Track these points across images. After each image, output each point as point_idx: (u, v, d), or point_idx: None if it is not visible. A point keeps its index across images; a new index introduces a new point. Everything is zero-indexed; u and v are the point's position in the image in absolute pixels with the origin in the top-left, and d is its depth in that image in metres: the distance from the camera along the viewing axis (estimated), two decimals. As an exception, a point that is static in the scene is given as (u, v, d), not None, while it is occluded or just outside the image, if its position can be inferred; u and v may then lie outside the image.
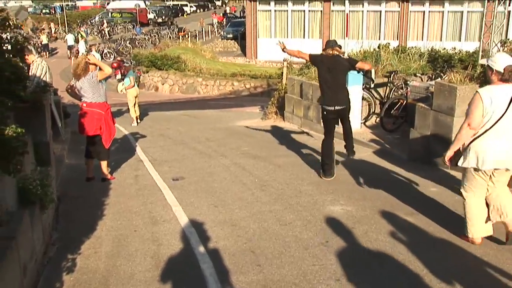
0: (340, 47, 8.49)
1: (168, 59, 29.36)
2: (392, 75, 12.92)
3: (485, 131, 5.38)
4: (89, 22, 56.53)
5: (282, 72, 16.47)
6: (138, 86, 28.92)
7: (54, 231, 6.58)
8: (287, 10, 34.05)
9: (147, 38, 41.87)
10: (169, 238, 6.30)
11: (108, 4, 70.84)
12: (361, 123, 12.61)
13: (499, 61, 5.39)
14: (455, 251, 5.72)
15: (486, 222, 5.74)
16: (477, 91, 5.45)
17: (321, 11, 32.95)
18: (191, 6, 77.94)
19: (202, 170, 9.62)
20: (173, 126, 15.45)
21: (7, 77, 5.11)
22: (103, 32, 48.83)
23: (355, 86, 11.74)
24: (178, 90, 27.91)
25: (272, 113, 15.63)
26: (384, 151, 10.63)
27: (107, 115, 8.84)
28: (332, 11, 32.67)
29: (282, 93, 15.41)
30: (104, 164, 9.02)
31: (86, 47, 35.35)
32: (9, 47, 6.44)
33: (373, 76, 9.79)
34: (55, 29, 52.81)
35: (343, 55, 8.51)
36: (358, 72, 8.99)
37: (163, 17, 61.33)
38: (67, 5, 71.86)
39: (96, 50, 31.20)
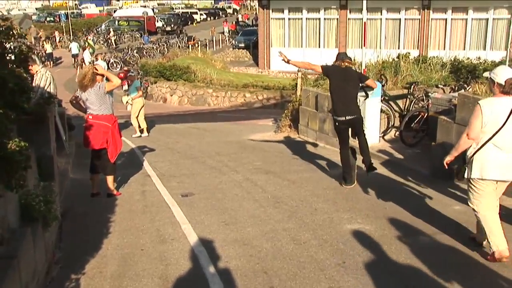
0: (350, 59, 9.04)
1: (177, 69, 29.50)
2: (412, 86, 12.87)
3: (486, 142, 5.76)
4: (95, 31, 57.03)
5: (296, 83, 16.48)
6: (145, 97, 29.27)
7: (57, 250, 6.59)
8: (301, 18, 34.15)
9: (155, 47, 42.16)
10: (178, 258, 6.29)
11: (114, 12, 71.64)
12: (380, 136, 12.56)
13: (500, 74, 5.74)
14: (481, 274, 5.65)
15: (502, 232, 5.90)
16: (478, 103, 5.83)
17: (337, 19, 33.02)
18: (201, 14, 78.36)
19: (213, 186, 9.63)
20: (182, 140, 15.49)
21: (11, 88, 5.14)
22: (110, 41, 49.27)
23: (373, 98, 11.73)
24: (187, 101, 28.01)
25: (286, 126, 15.62)
26: (404, 167, 10.56)
27: (114, 128, 8.89)
28: (349, 19, 32.74)
29: (296, 105, 15.41)
30: (110, 179, 9.06)
31: (92, 57, 35.72)
32: (13, 57, 6.51)
33: (369, 92, 10.55)
34: (60, 37, 53.34)
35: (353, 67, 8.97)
36: (361, 88, 9.64)
37: (172, 26, 61.80)
38: (72, 12, 72.70)
39: (102, 59, 31.50)
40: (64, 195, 8.67)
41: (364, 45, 13.20)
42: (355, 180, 9.23)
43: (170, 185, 9.79)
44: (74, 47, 43.95)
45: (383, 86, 12.57)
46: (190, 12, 78.16)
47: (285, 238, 6.81)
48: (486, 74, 6.13)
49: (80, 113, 9.46)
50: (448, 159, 6.19)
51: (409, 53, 15.40)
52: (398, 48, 29.75)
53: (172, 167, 11.44)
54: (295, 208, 8.13)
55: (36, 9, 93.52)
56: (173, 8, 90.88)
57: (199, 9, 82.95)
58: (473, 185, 5.95)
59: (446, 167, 6.23)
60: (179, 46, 44.09)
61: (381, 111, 12.51)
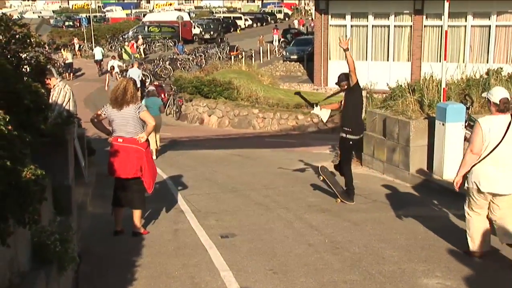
0: (348, 80, 10.90)
1: (217, 85, 29.75)
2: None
3: (484, 158, 7.47)
4: (121, 38, 58.30)
5: (360, 104, 16.43)
6: (179, 117, 29.63)
7: (73, 298, 6.68)
8: (366, 26, 34.13)
9: (191, 58, 42.77)
10: (216, 312, 6.29)
11: (144, 16, 73.11)
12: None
13: (495, 94, 7.52)
14: None
15: (486, 238, 7.81)
16: (477, 120, 7.74)
17: (411, 26, 32.88)
18: (246, 20, 79.07)
19: (258, 226, 9.64)
20: (222, 169, 15.59)
21: (26, 106, 5.32)
22: (138, 50, 50.29)
23: (455, 123, 11.60)
24: (228, 123, 28.21)
25: (347, 155, 15.55)
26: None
27: (148, 153, 9.06)
28: (425, 26, 32.57)
29: (360, 130, 15.34)
30: (137, 214, 9.17)
31: (120, 67, 36.46)
32: (28, 69, 6.73)
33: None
34: (80, 45, 54.63)
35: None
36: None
37: (211, 33, 62.73)
38: (95, 16, 74.55)
39: (137, 67, 32.06)
40: (82, 232, 8.81)
41: (445, 59, 13.08)
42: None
43: (208, 223, 9.84)
44: (98, 52, 45.06)
45: (467, 109, 12.41)
46: (233, 17, 79.17)
47: (346, 293, 6.75)
48: (484, 94, 7.92)
49: (102, 135, 9.64)
50: (457, 179, 7.71)
51: (501, 68, 15.15)
52: (487, 62, 29.36)
53: (209, 202, 11.50)
54: (358, 255, 8.05)
55: (53, 11, 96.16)
56: (213, 12, 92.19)
57: (243, 14, 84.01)
58: (472, 195, 7.70)
59: (458, 189, 7.73)
60: (219, 58, 44.62)
61: (465, 139, 12.33)
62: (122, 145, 8.83)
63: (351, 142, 10.80)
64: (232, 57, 43.83)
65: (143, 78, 35.43)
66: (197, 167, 16.10)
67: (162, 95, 30.93)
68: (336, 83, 11.37)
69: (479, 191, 7.55)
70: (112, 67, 35.66)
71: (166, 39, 56.68)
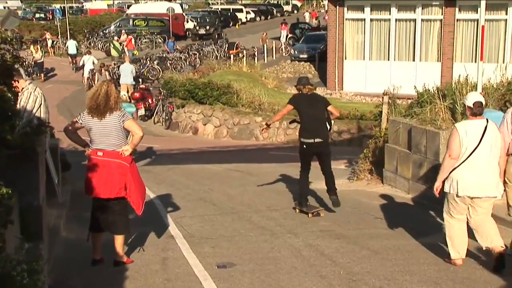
0: (311, 85, 12.70)
1: (214, 88, 29.75)
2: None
3: (462, 162, 8.64)
4: (101, 33, 58.37)
5: (381, 111, 16.41)
6: (168, 126, 29.63)
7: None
8: (389, 20, 34.09)
9: (183, 57, 42.79)
10: None
11: (128, 7, 73.30)
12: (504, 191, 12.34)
13: (469, 98, 8.87)
14: None
15: (465, 244, 8.99)
16: (454, 126, 9.07)
17: (441, 20, 32.91)
18: (248, 12, 79.16)
19: (261, 254, 9.63)
20: (219, 187, 15.59)
21: (-10, 112, 5.32)
22: (122, 48, 50.40)
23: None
24: (226, 133, 28.23)
25: (365, 172, 15.54)
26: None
27: (133, 169, 9.04)
28: (457, 20, 32.59)
29: (381, 142, 15.33)
30: (119, 240, 9.14)
31: (94, 66, 36.88)
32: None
33: (331, 125, 12.89)
34: (53, 41, 54.63)
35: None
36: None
37: (207, 28, 62.88)
38: (71, 8, 74.65)
39: (105, 70, 32.26)
40: (54, 261, 8.80)
41: (481, 59, 13.09)
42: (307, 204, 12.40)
43: (202, 251, 9.82)
44: (72, 45, 45.30)
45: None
46: (233, 9, 79.29)
47: (365, 333, 6.75)
48: (462, 100, 9.60)
49: (79, 147, 9.61)
50: (437, 184, 8.92)
51: (553, 70, 15.12)
52: (531, 63, 29.34)
53: (204, 226, 11.49)
54: (379, 290, 8.04)
55: (22, 1, 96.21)
56: (209, 4, 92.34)
57: (245, 5, 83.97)
58: (450, 200, 8.86)
59: (438, 195, 8.94)
60: (216, 57, 44.67)
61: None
62: (102, 159, 8.80)
63: (304, 146, 12.21)
64: (232, 56, 43.84)
65: (139, 75, 35.65)
66: (190, 184, 16.09)
67: (149, 100, 31.00)
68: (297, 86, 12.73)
69: (457, 195, 8.71)
70: (83, 64, 36.12)
71: (154, 34, 56.76)
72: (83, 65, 38.58)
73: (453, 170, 8.68)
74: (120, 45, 45.42)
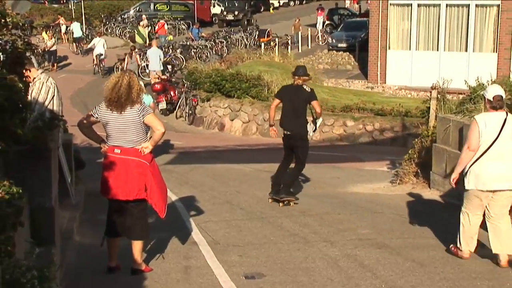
0: (307, 76, 13.95)
1: (242, 80, 29.69)
2: None
3: (482, 155, 9.31)
4: (119, 18, 58.56)
5: (428, 107, 16.31)
6: (192, 121, 29.64)
7: None
8: (439, 5, 33.84)
9: (209, 45, 42.81)
10: None
11: (149, -11, 73.45)
12: None
13: (490, 91, 9.54)
14: None
15: (474, 239, 9.76)
16: (473, 117, 9.81)
17: (498, 6, 32.58)
18: (281, -4, 78.96)
19: (293, 264, 9.60)
20: (247, 189, 15.60)
21: (-1, 104, 5.34)
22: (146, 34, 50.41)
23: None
24: (256, 130, 28.18)
25: (410, 175, 15.44)
26: None
27: (153, 168, 9.04)
28: (518, 6, 32.32)
29: (428, 142, 15.22)
30: (138, 246, 9.16)
31: (105, 48, 37.32)
32: (2, 57, 6.77)
33: (318, 124, 13.99)
34: (67, 27, 54.84)
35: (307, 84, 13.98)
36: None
37: (236, 13, 62.77)
38: (87, -9, 74.86)
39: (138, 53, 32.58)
40: (66, 268, 8.83)
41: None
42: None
43: (228, 259, 9.83)
44: (77, 28, 45.62)
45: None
46: (264, -8, 78.89)
47: None
48: (481, 92, 10.27)
49: (94, 144, 9.62)
50: (454, 176, 9.72)
51: None
52: None
53: (231, 232, 11.50)
54: (425, 306, 8.02)
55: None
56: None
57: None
58: (470, 195, 9.53)
59: (455, 186, 9.77)
60: (245, 45, 44.62)
61: None
62: (120, 157, 8.82)
63: (283, 136, 13.81)
64: (262, 44, 43.77)
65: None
66: (215, 186, 16.11)
67: (171, 93, 31.02)
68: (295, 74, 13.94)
69: (478, 190, 9.38)
70: (94, 46, 36.58)
71: (178, 20, 56.86)
72: (93, 48, 39.24)
73: (473, 164, 9.36)
74: (148, 28, 45.82)
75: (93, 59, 40.19)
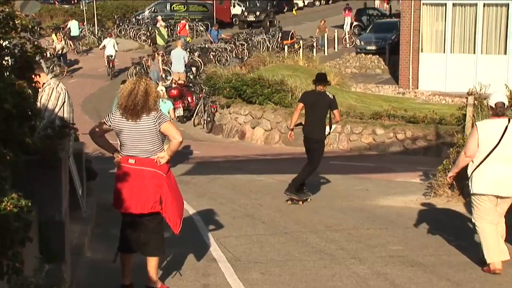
0: (326, 82, 15.38)
1: (264, 85, 29.66)
2: None
3: (483, 160, 9.94)
4: (133, 19, 58.75)
5: (465, 114, 16.27)
6: (211, 129, 29.70)
7: None
8: (476, 5, 33.73)
9: (229, 48, 42.86)
10: None
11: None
12: None
13: (492, 98, 10.23)
14: None
15: (500, 246, 10.05)
16: (475, 124, 10.71)
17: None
18: (305, -4, 78.93)
19: (320, 283, 9.60)
20: (270, 202, 15.58)
21: (7, 111, 5.38)
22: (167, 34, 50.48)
23: None
24: (279, 138, 28.15)
25: (445, 187, 15.35)
26: None
27: (169, 179, 9.04)
28: None
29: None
30: (153, 263, 9.15)
31: (116, 50, 37.99)
32: (10, 62, 6.81)
33: (332, 129, 15.95)
34: (79, 28, 55.10)
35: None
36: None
37: (258, 13, 62.76)
38: (99, -9, 75.16)
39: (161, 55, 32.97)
40: (77, 285, 8.86)
41: None
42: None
43: (250, 277, 9.83)
44: (74, 27, 46.14)
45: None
46: (288, -8, 78.87)
47: None
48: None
49: (106, 153, 9.65)
50: (450, 174, 10.88)
51: None
52: None
53: (252, 248, 11.51)
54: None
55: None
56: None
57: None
58: (475, 200, 10.14)
59: (450, 182, 11.17)
60: (268, 48, 44.64)
61: None
62: (134, 167, 8.82)
63: (304, 141, 15.62)
64: (286, 47, 43.78)
65: (195, 61, 36.24)
66: (236, 198, 16.11)
67: (189, 99, 31.09)
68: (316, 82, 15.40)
69: (483, 195, 9.99)
70: (104, 47, 37.04)
71: (196, 21, 57.00)
72: (103, 48, 39.73)
73: (475, 170, 10.03)
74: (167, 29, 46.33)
75: (105, 60, 40.80)
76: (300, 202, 15.13)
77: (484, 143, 9.90)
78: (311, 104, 15.20)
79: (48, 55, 39.29)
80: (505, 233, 10.39)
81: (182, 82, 32.43)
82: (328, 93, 15.28)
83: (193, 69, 36.19)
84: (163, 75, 35.29)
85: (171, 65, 35.30)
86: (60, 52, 42.05)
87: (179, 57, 33.57)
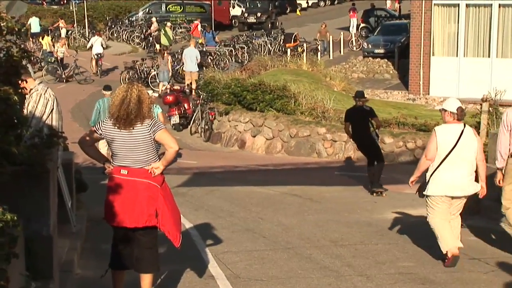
0: (366, 98, 19.85)
1: (266, 91, 29.63)
2: None
3: (440, 163, 11.21)
4: (126, 21, 58.80)
5: (479, 122, 16.31)
6: (209, 137, 29.72)
7: None
8: (490, 5, 33.74)
9: (228, 51, 42.91)
10: None
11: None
12: None
13: (451, 104, 11.42)
14: None
15: (454, 237, 11.41)
16: (434, 129, 11.88)
17: None
18: (309, -4, 78.97)
19: (325, 302, 9.59)
20: (271, 215, 15.60)
21: (-8, 119, 5.38)
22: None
23: None
24: (281, 148, 28.16)
25: (458, 199, 15.43)
26: None
27: (165, 191, 9.04)
28: None
29: (479, 161, 15.22)
30: (147, 280, 9.15)
31: (103, 48, 38.58)
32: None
33: (377, 132, 19.71)
34: (68, 31, 55.11)
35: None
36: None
37: (258, 15, 62.82)
38: (91, -9, 75.32)
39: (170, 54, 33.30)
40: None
41: None
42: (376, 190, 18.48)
43: (250, 296, 9.83)
44: (35, 23, 46.61)
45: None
46: (291, -8, 78.94)
47: None
48: (438, 107, 12.78)
49: (97, 163, 9.64)
50: (412, 179, 11.91)
51: None
52: None
53: (253, 264, 11.50)
54: None
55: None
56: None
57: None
58: (430, 201, 11.46)
59: (411, 186, 12.09)
60: (269, 51, 44.68)
61: None
62: (127, 178, 8.82)
63: (357, 148, 21.19)
64: (288, 50, 43.83)
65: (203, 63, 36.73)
66: (235, 211, 16.14)
67: (185, 105, 31.10)
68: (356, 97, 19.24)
69: (438, 196, 11.28)
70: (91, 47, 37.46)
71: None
72: (91, 47, 40.21)
73: (433, 173, 11.29)
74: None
75: (91, 58, 41.70)
76: (384, 194, 18.25)
77: (442, 146, 11.19)
78: (355, 118, 18.93)
79: (53, 60, 39.76)
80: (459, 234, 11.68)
81: (178, 87, 32.54)
82: (365, 106, 18.97)
83: (205, 69, 36.72)
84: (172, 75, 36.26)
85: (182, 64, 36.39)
86: (60, 57, 42.07)
87: (192, 56, 34.28)
